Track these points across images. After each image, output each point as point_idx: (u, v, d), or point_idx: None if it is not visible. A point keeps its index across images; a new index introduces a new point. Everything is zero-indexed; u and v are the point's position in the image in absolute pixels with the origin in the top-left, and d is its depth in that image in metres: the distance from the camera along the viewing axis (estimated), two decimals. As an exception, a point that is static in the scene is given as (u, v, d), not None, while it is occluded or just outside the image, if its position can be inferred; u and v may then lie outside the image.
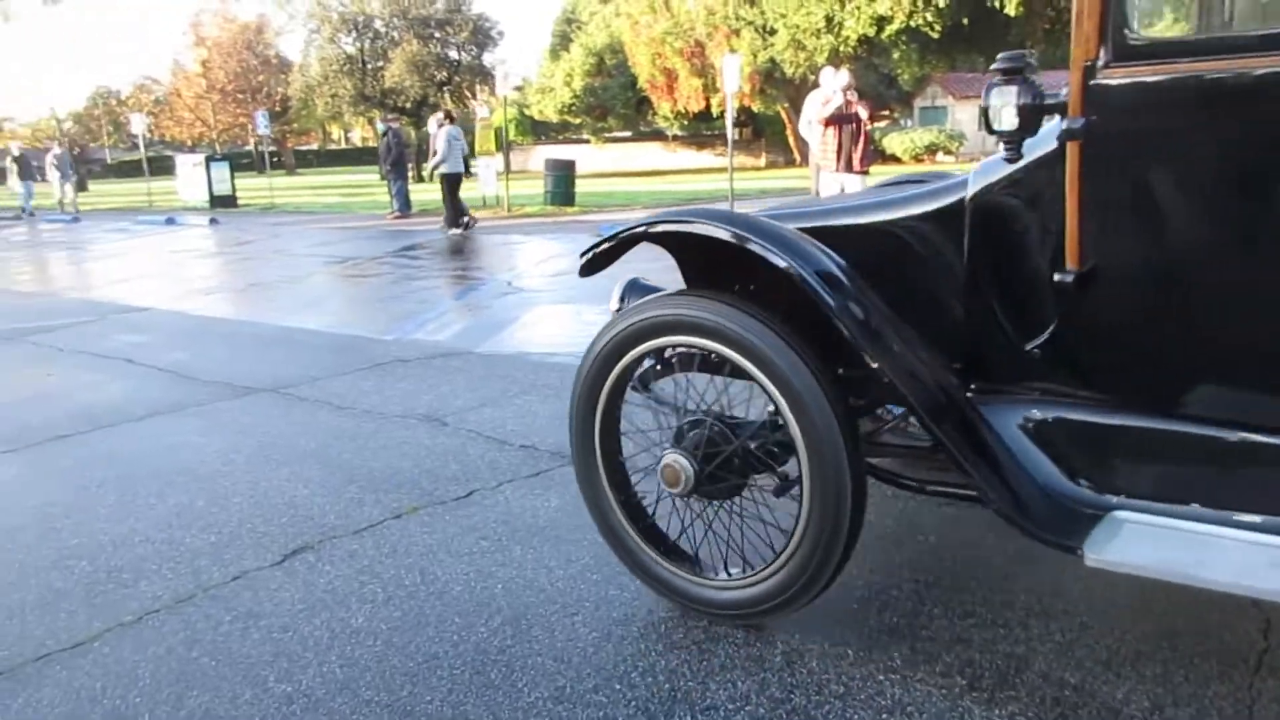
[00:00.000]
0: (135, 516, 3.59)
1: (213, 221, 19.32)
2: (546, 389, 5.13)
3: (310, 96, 37.35)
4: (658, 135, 40.52)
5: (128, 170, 44.44)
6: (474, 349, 6.33)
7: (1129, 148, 1.96)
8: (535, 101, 38.45)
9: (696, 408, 2.59)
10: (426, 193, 23.38)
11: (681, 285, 2.76)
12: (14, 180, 24.38)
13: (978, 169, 2.33)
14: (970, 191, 2.31)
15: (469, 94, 35.28)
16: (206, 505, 3.66)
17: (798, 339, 2.26)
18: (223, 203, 22.60)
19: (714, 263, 2.56)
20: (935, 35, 16.80)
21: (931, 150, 30.47)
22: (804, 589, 2.36)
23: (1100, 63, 1.91)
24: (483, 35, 35.56)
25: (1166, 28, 2.06)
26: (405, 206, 17.68)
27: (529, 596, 2.81)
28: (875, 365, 2.21)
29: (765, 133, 37.44)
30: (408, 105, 35.05)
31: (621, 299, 2.95)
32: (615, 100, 35.34)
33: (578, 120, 38.03)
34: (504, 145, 19.23)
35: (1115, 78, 1.90)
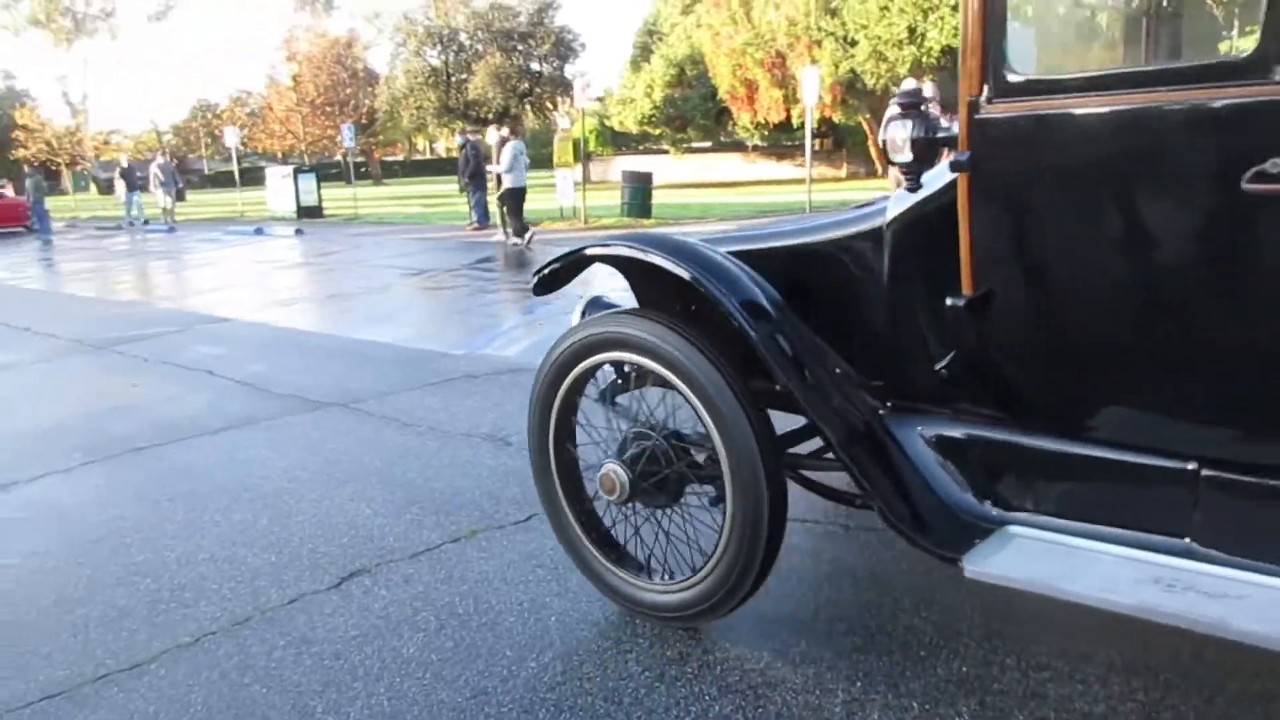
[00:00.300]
0: (201, 533, 3.63)
1: (298, 232, 19.80)
2: (612, 409, 5.07)
3: (396, 109, 38.15)
4: (737, 146, 40.31)
5: (222, 181, 45.98)
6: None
7: (1010, 179, 2.07)
8: (616, 113, 38.56)
9: (636, 421, 2.72)
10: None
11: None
12: (122, 190, 25.34)
13: (895, 196, 2.42)
14: (887, 218, 2.42)
15: (550, 105, 35.65)
16: (270, 523, 3.69)
17: (723, 358, 2.38)
18: (309, 213, 23.17)
19: (661, 284, 2.63)
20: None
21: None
22: (728, 596, 2.48)
23: (983, 99, 2.03)
24: (564, 47, 35.85)
25: (1044, 68, 2.21)
26: (484, 218, 17.86)
27: (583, 631, 2.75)
28: (781, 382, 2.34)
29: (846, 143, 36.95)
30: (490, 117, 35.56)
31: (583, 315, 3.08)
32: (695, 111, 35.25)
33: (657, 131, 38.01)
34: (582, 156, 19.31)
35: (996, 113, 2.02)
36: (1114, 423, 2.13)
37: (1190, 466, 2.00)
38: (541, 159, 49.14)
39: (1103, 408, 2.15)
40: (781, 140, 38.06)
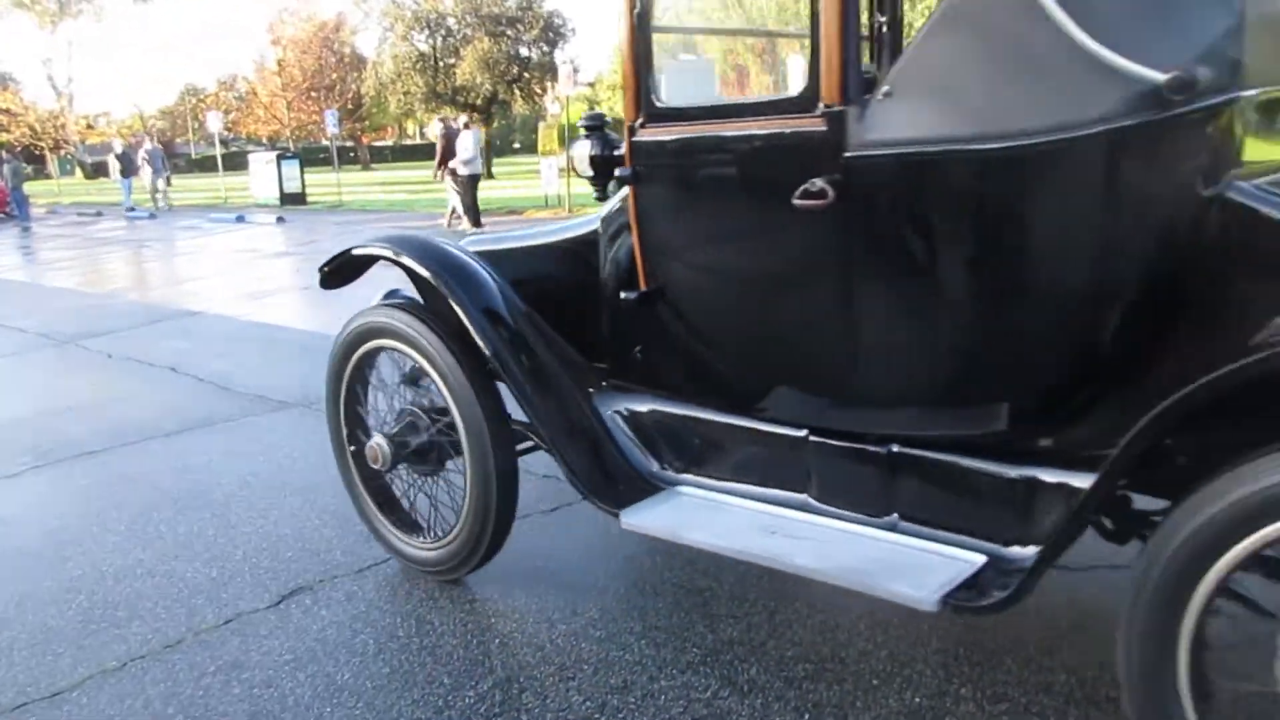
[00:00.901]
0: (143, 546, 3.51)
1: (280, 220, 19.59)
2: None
3: (383, 94, 37.77)
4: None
5: (209, 165, 45.54)
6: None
7: (659, 191, 2.48)
8: (607, 98, 38.35)
9: (408, 402, 3.06)
10: (494, 190, 23.44)
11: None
12: (118, 175, 24.91)
13: (611, 201, 2.78)
14: (600, 222, 2.83)
15: (539, 91, 35.36)
16: (215, 535, 3.57)
17: (458, 344, 2.75)
18: (293, 200, 22.92)
19: (420, 280, 2.98)
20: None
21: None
22: (470, 555, 2.87)
23: (638, 124, 2.44)
24: (554, 32, 35.49)
25: (677, 100, 2.54)
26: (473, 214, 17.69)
27: (526, 655, 2.64)
28: (489, 358, 2.70)
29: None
30: (479, 102, 35.26)
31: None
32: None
33: (648, 116, 37.93)
34: (567, 143, 19.08)
35: (647, 136, 2.43)
36: (748, 396, 2.51)
37: (803, 434, 2.39)
38: (529, 145, 48.92)
39: (739, 384, 2.56)
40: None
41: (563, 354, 2.87)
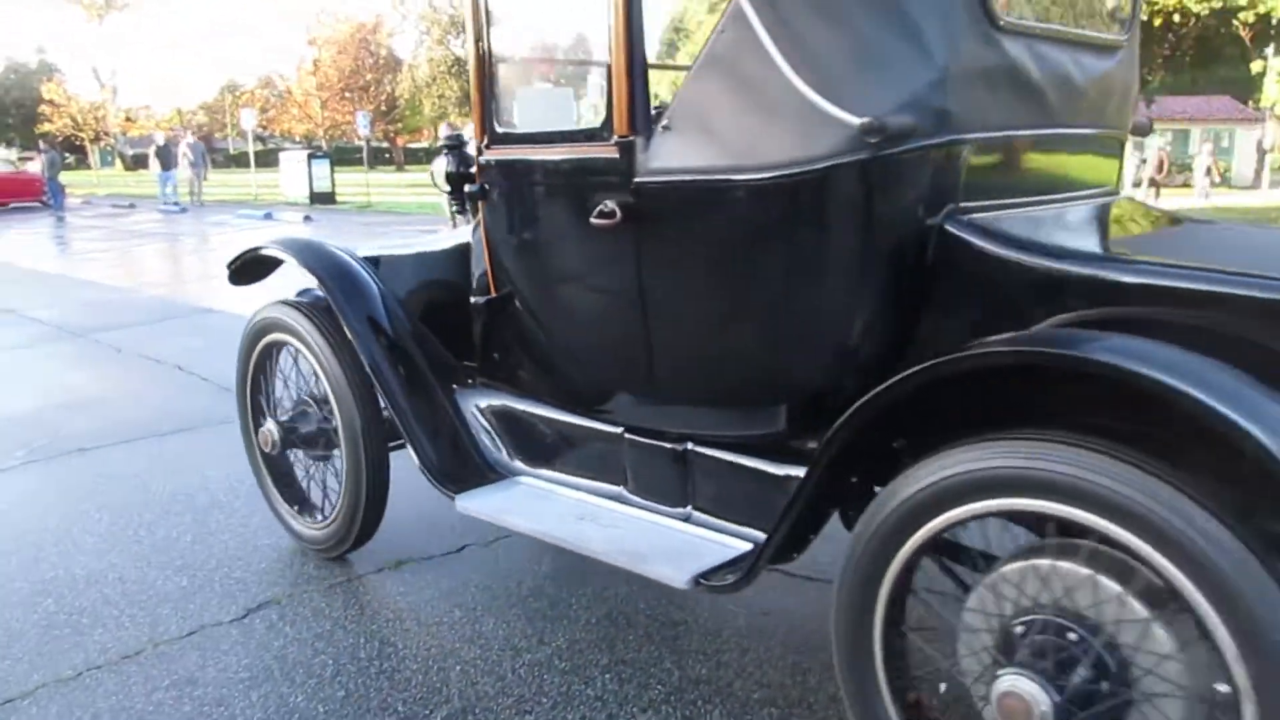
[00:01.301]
0: (119, 549, 3.48)
1: (307, 219, 19.69)
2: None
3: (418, 96, 38.11)
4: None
5: (246, 161, 46.09)
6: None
7: (502, 206, 2.73)
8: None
9: (301, 392, 3.37)
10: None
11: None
12: (157, 168, 24.64)
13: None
14: (471, 233, 3.05)
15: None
16: (192, 541, 3.53)
17: (338, 338, 3.04)
18: (322, 199, 23.08)
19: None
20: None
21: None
22: (345, 536, 3.19)
23: (484, 144, 2.69)
24: (589, 41, 35.69)
25: (515, 125, 2.76)
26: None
27: (486, 684, 2.57)
28: (361, 357, 2.97)
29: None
30: (511, 108, 35.51)
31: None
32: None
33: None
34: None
35: (491, 156, 2.69)
36: (577, 396, 2.76)
37: (619, 431, 2.62)
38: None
39: (568, 384, 2.79)
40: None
41: (433, 353, 3.13)
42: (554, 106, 3.21)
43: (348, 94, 42.11)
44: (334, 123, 41.57)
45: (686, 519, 2.49)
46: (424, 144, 69.42)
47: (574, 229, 2.53)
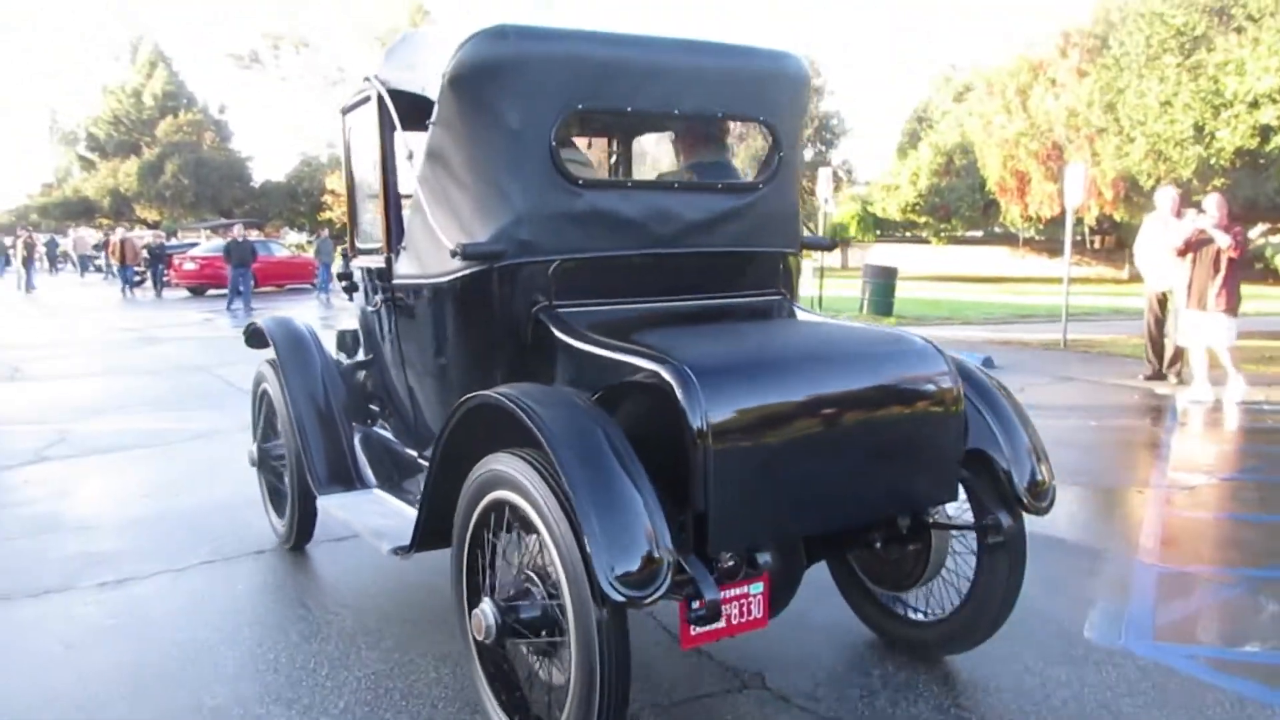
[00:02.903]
0: (251, 677, 3.36)
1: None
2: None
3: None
4: (1007, 238, 38.09)
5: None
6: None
7: (360, 298, 4.21)
8: (879, 199, 37.66)
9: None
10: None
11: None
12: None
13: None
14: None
15: (809, 191, 35.22)
16: (327, 675, 3.36)
17: (293, 383, 4.32)
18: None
19: None
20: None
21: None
22: None
23: (350, 254, 4.26)
24: (829, 132, 35.51)
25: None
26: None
27: None
28: (294, 402, 4.25)
29: (1129, 242, 33.99)
30: (748, 199, 35.72)
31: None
32: (961, 201, 33.69)
33: (921, 219, 36.70)
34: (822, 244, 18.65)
35: (351, 264, 4.26)
36: (396, 432, 4.06)
37: (415, 455, 3.83)
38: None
39: (390, 422, 4.14)
40: (1057, 234, 35.53)
41: (343, 399, 4.37)
42: (373, 229, 4.01)
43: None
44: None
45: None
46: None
47: (376, 312, 3.98)
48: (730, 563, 2.71)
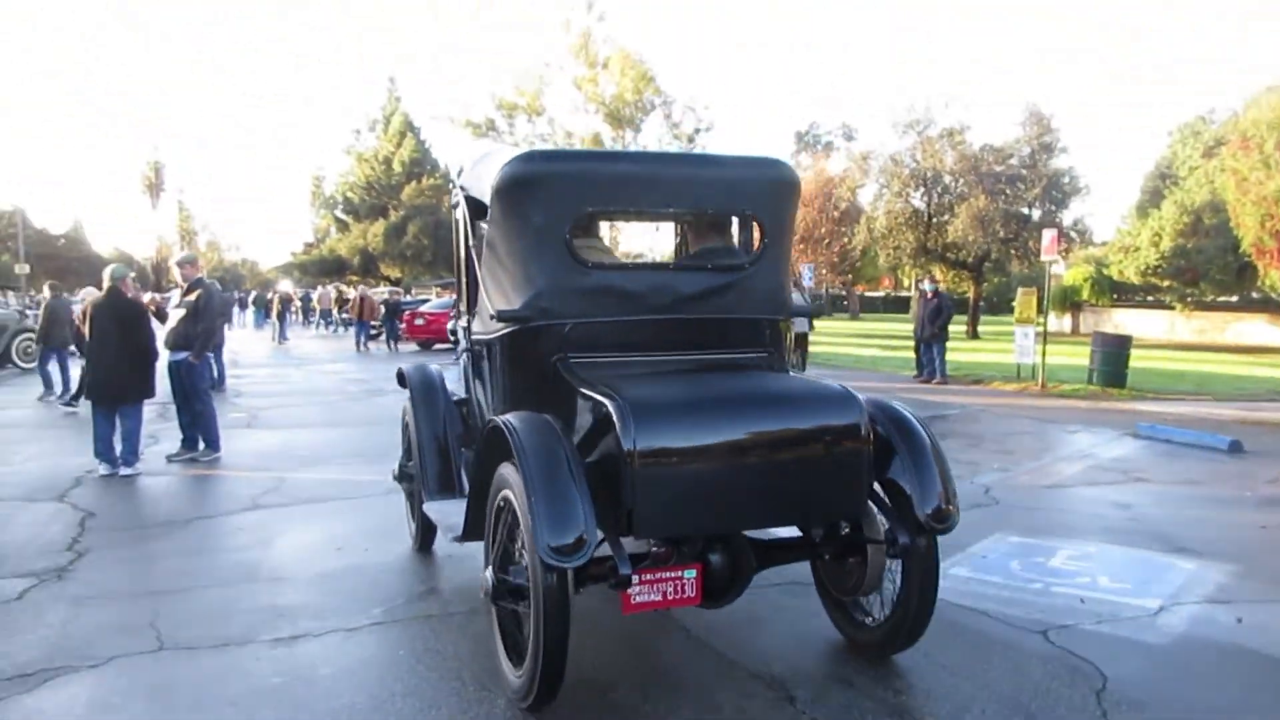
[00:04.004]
0: (395, 753, 3.30)
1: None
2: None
3: (873, 247, 38.32)
4: (1265, 305, 34.44)
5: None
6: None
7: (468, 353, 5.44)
8: (1115, 261, 35.21)
9: None
10: (971, 353, 22.18)
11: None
12: None
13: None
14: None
15: (1036, 251, 33.41)
16: None
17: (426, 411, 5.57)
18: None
19: None
20: None
21: None
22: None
23: (461, 314, 5.54)
24: (1059, 191, 33.59)
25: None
26: (938, 373, 16.78)
27: None
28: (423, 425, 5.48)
29: None
30: (969, 260, 34.25)
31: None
32: (1211, 265, 30.86)
33: (1164, 283, 33.93)
34: (1044, 309, 17.48)
35: (456, 322, 5.73)
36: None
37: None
38: (1000, 307, 46.37)
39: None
40: (1329, 301, 31.82)
41: (458, 429, 5.39)
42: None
43: (802, 244, 43.61)
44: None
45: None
46: (882, 293, 69.94)
47: (464, 361, 5.36)
48: (661, 549, 3.87)
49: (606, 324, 4.14)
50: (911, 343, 18.56)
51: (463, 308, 5.25)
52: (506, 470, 3.62)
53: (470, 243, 4.88)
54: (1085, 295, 39.47)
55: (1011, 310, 18.65)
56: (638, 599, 3.48)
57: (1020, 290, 17.65)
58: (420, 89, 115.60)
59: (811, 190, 45.94)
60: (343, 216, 62.09)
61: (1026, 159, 33.31)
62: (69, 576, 5.42)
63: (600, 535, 3.37)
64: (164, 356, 9.01)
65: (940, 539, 3.90)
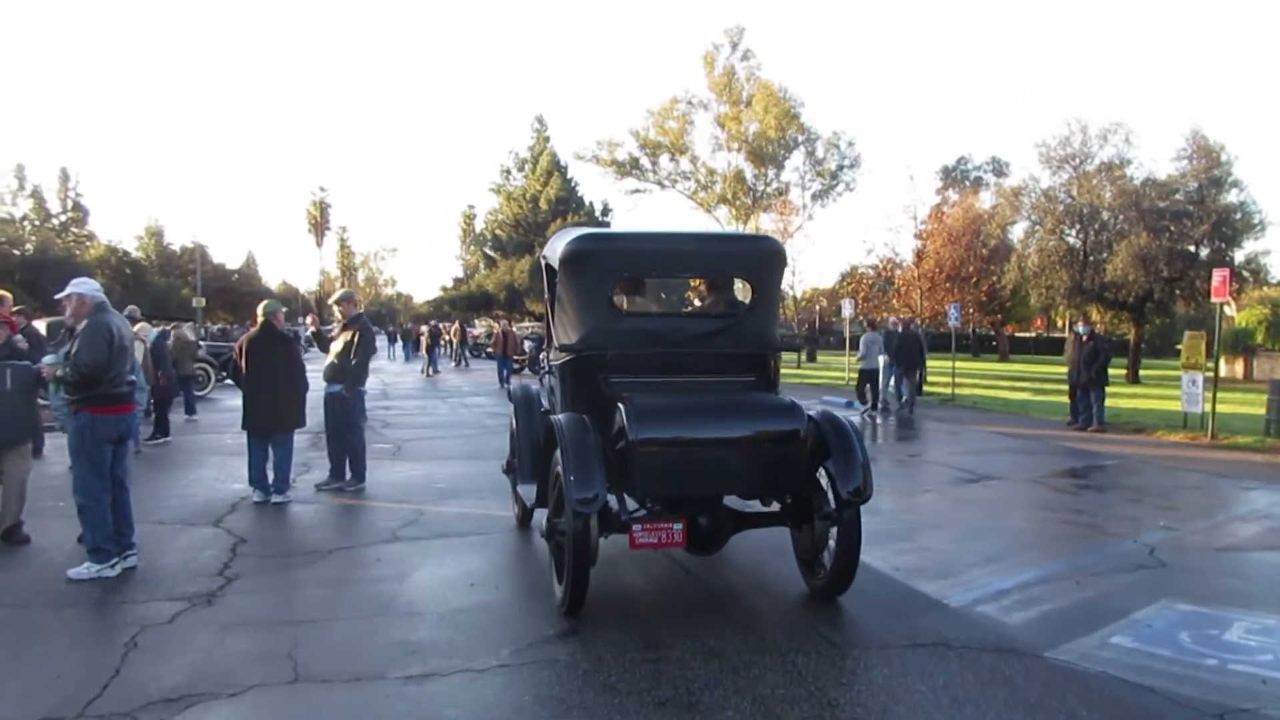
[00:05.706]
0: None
1: (849, 404, 19.57)
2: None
3: (1024, 287, 36.81)
4: None
5: (836, 344, 48.18)
6: (1046, 650, 4.94)
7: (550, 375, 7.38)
8: (1293, 302, 32.78)
9: None
10: (1131, 399, 20.88)
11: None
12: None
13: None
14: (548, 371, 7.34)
15: (1204, 292, 31.36)
16: None
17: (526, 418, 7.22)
18: (908, 389, 22.80)
19: None
20: None
21: None
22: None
23: (549, 349, 7.18)
24: (1229, 228, 31.50)
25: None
26: (1095, 419, 15.84)
27: None
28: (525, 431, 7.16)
29: None
30: (1129, 300, 32.44)
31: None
32: (1405, 305, 28.38)
33: (1350, 326, 31.40)
34: (1214, 354, 16.32)
35: (543, 355, 8.49)
36: None
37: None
38: (1163, 350, 43.46)
39: None
40: None
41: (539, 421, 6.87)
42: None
43: (949, 283, 42.27)
44: (934, 311, 41.78)
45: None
46: (1033, 334, 67.03)
47: (546, 381, 7.19)
48: (657, 508, 5.48)
49: (636, 355, 5.89)
50: (1065, 387, 17.64)
51: (545, 343, 7.18)
52: (556, 453, 5.30)
53: (547, 296, 6.56)
54: (1260, 339, 36.85)
55: (1176, 353, 17.53)
56: (640, 540, 5.24)
57: (1187, 333, 16.57)
58: (567, 128, 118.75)
59: (959, 227, 44.67)
60: (491, 253, 64.06)
61: (1193, 194, 31.39)
62: (218, 602, 5.63)
63: (613, 496, 5.36)
64: (319, 388, 9.40)
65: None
